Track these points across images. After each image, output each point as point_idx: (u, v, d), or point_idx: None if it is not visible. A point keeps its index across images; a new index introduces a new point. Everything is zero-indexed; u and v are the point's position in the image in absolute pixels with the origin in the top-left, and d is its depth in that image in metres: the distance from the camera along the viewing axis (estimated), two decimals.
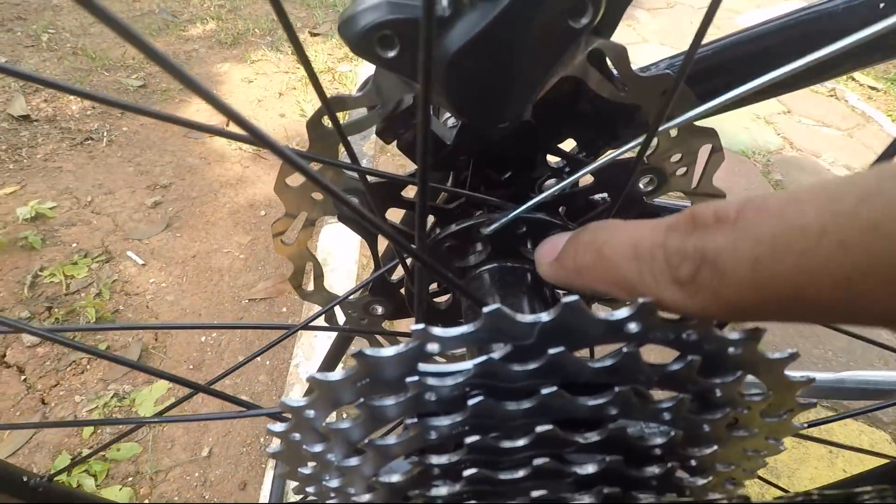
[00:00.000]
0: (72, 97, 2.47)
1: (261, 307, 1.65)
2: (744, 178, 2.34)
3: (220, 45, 2.99)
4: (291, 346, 1.50)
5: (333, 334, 1.45)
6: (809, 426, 0.29)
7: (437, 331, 0.19)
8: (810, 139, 2.65)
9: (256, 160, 2.22)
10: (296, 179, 0.36)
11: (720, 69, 0.37)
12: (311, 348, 1.43)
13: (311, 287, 0.43)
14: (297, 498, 0.30)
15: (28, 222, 1.82)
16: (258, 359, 1.50)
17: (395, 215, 0.44)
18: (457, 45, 0.26)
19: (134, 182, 2.05)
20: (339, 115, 0.31)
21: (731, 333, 0.20)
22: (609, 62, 0.34)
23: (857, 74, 3.24)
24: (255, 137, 0.16)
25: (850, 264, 0.15)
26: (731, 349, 0.21)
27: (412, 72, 0.28)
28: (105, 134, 2.27)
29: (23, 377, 1.43)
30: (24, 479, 0.45)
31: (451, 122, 0.37)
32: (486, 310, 0.19)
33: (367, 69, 2.70)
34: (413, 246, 0.22)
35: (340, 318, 0.48)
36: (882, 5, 0.31)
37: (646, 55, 3.13)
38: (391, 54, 0.27)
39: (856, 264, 0.15)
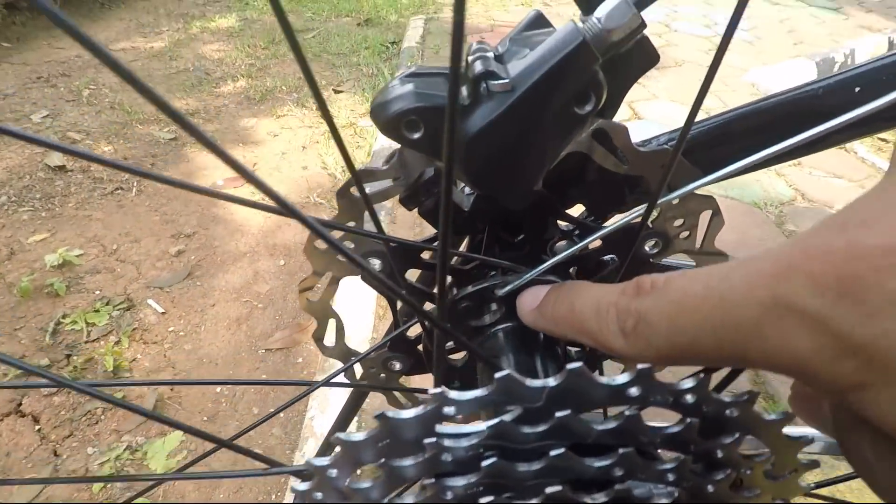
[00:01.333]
0: (107, 149, 2.60)
1: (277, 357, 1.66)
2: (758, 230, 2.34)
3: (249, 100, 3.15)
4: (307, 399, 1.50)
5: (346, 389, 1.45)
6: (817, 486, 0.30)
7: (454, 394, 0.21)
8: (822, 190, 2.67)
9: None
10: (323, 242, 0.39)
11: (716, 143, 0.40)
12: (326, 401, 1.43)
13: (332, 343, 0.45)
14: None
15: (55, 269, 1.88)
16: (271, 409, 1.50)
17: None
18: (475, 128, 0.29)
19: (159, 231, 2.13)
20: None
21: (728, 396, 0.22)
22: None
23: None
24: (284, 208, 0.19)
25: (716, 322, 0.20)
26: (728, 411, 0.22)
27: (434, 150, 0.31)
28: (134, 184, 2.37)
29: (37, 427, 1.44)
30: None
31: (468, 189, 0.40)
32: (497, 376, 0.20)
33: None
34: (428, 309, 0.24)
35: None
36: (858, 89, 0.34)
37: (656, 110, 3.22)
38: (416, 136, 0.30)
39: (719, 322, 0.20)
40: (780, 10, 5.41)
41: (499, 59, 0.30)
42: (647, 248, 0.42)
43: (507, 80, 0.27)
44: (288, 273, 1.99)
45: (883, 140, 3.21)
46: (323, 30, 4.25)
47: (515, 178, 0.32)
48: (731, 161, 0.31)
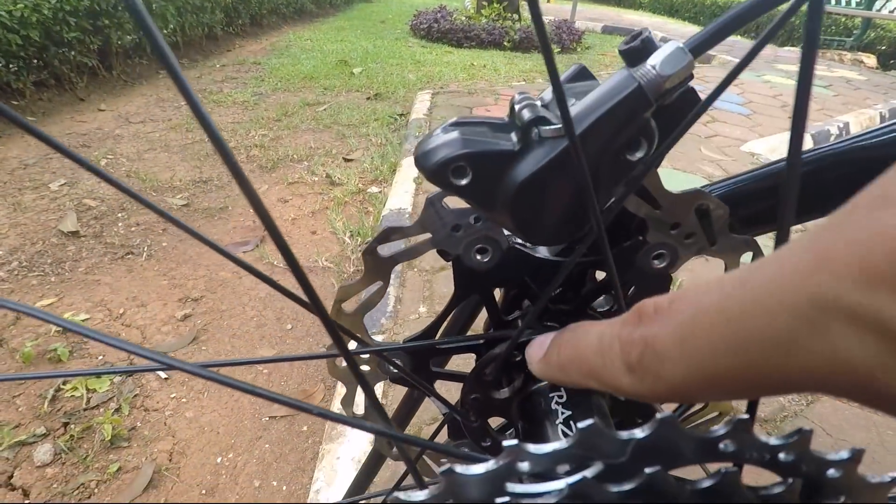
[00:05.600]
0: (120, 214, 2.65)
1: (280, 425, 1.60)
2: None
3: (261, 168, 3.25)
4: (312, 469, 1.43)
5: (357, 458, 1.38)
6: None
7: (531, 447, 0.19)
8: None
9: (287, 274, 2.30)
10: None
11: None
12: (333, 472, 1.35)
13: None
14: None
15: (59, 334, 1.86)
16: (274, 483, 1.42)
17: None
18: (524, 174, 0.29)
19: (167, 295, 2.12)
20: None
21: (830, 453, 0.20)
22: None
23: None
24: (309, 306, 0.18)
25: (739, 339, 0.17)
26: (830, 471, 0.20)
27: (481, 197, 0.30)
28: (145, 249, 2.39)
29: (26, 501, 1.37)
30: None
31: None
32: (580, 425, 0.19)
33: (395, 191, 2.87)
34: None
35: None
36: None
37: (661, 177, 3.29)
38: (463, 182, 0.29)
39: (742, 339, 0.17)
40: (772, 88, 5.68)
41: (545, 107, 0.30)
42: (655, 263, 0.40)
43: (559, 126, 0.27)
44: (294, 338, 1.95)
45: None
46: (334, 104, 4.46)
47: (564, 228, 0.31)
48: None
